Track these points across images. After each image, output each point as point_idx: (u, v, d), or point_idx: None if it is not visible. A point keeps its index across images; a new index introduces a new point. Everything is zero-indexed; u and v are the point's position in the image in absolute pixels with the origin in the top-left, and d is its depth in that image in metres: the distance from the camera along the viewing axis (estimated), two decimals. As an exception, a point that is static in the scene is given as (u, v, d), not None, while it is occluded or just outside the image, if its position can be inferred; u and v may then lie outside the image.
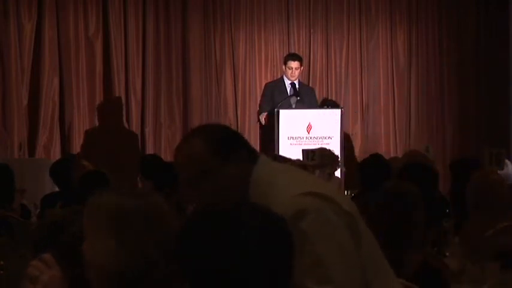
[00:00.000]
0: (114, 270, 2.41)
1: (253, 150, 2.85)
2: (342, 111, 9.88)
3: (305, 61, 10.78)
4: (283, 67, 10.18)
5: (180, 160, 2.78)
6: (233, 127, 6.46)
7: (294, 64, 10.07)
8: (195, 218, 2.01)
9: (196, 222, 1.97)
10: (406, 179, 4.79)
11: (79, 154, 9.79)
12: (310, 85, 11.02)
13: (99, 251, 2.46)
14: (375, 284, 2.72)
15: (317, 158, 8.05)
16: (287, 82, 10.09)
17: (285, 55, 10.63)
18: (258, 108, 10.27)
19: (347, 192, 7.16)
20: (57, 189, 7.37)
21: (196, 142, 2.75)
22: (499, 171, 7.24)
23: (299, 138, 9.52)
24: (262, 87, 10.46)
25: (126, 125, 10.80)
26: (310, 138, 9.52)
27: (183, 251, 1.95)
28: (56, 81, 10.50)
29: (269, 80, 10.79)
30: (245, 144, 2.83)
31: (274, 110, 9.57)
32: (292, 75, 10.03)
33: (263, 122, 9.84)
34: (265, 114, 9.81)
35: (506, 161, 8.44)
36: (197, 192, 2.74)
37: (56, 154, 10.31)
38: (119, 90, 10.74)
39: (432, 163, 7.57)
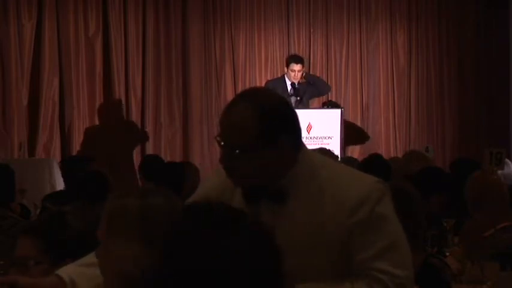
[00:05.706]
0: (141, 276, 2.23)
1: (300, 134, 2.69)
2: (342, 111, 9.87)
3: (305, 61, 10.78)
4: (285, 68, 10.18)
5: (227, 127, 2.58)
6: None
7: (297, 67, 10.08)
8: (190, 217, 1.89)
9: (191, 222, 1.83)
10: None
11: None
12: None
13: (123, 257, 2.34)
14: None
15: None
16: (288, 82, 10.09)
17: (286, 57, 10.62)
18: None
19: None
20: (57, 189, 7.37)
21: (246, 107, 2.56)
22: (499, 171, 7.25)
23: (299, 138, 9.50)
24: (263, 86, 10.44)
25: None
26: (310, 138, 9.52)
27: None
28: (56, 81, 10.49)
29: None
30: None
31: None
32: (294, 77, 10.05)
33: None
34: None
35: (507, 160, 8.43)
36: (237, 167, 2.58)
37: (56, 154, 10.31)
38: (119, 90, 10.73)
39: (432, 163, 7.57)
